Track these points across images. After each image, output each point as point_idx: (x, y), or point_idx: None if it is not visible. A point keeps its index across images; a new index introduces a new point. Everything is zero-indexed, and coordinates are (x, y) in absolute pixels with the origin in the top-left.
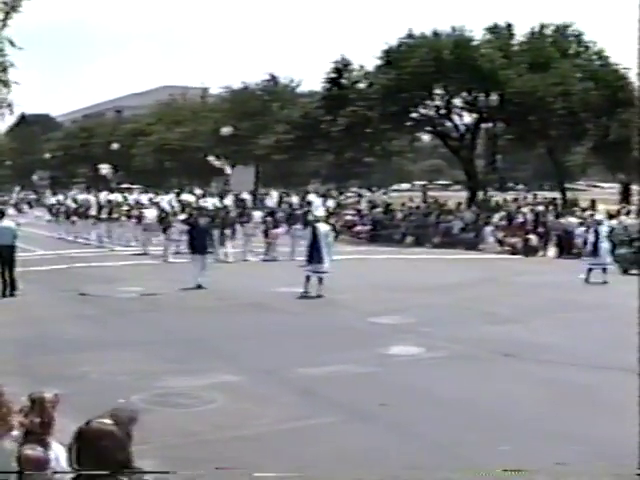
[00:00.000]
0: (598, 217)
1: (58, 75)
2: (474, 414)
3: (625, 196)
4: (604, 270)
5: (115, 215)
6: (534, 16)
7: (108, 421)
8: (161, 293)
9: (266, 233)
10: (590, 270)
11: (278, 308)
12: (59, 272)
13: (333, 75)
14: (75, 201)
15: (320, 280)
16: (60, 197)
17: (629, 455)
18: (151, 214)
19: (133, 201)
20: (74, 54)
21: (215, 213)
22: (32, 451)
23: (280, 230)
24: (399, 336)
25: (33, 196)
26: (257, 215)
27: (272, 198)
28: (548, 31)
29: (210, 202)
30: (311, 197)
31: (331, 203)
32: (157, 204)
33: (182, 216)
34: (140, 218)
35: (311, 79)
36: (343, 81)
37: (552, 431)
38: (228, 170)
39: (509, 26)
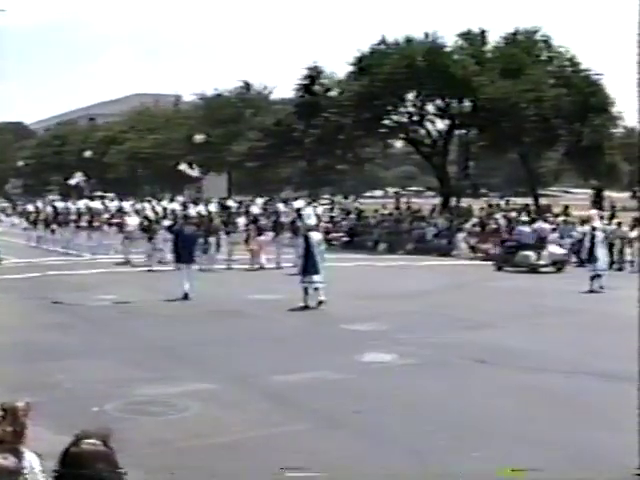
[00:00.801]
0: (596, 224)
1: (31, 83)
2: (447, 420)
3: (597, 201)
4: (599, 276)
5: (96, 223)
6: (506, 22)
7: (98, 442)
8: (135, 301)
9: (247, 241)
10: (593, 278)
11: (252, 315)
12: (32, 280)
13: (305, 82)
14: (54, 208)
15: (316, 289)
16: (39, 204)
17: (604, 460)
18: (133, 222)
19: (114, 208)
20: (47, 62)
21: (200, 220)
22: (4, 460)
23: (264, 238)
24: (372, 343)
25: (6, 204)
26: (241, 222)
27: (257, 205)
28: (520, 37)
29: (194, 210)
30: (298, 204)
31: (320, 210)
32: (139, 212)
33: (166, 223)
34: (122, 226)
35: (284, 86)
36: (316, 88)
37: (525, 436)
38: (195, 173)
39: (482, 32)
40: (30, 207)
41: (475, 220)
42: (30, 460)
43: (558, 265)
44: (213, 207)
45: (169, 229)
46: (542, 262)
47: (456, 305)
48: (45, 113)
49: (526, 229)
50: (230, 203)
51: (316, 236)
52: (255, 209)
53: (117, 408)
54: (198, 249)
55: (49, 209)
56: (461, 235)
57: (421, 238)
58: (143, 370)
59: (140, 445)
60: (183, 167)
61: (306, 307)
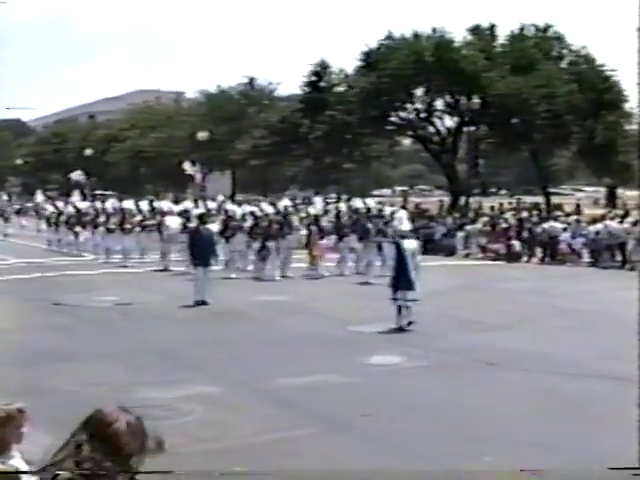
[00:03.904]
0: None
1: (30, 79)
2: (457, 424)
3: (610, 200)
4: None
5: (128, 225)
6: (516, 17)
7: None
8: (137, 302)
9: (308, 245)
10: None
11: (257, 317)
12: (33, 281)
13: (312, 78)
14: (77, 209)
15: (407, 308)
16: (59, 204)
17: (616, 465)
18: (174, 223)
19: (147, 209)
20: (47, 58)
21: (255, 223)
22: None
23: (326, 242)
24: (380, 345)
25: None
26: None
27: (315, 205)
28: (530, 32)
29: (238, 210)
30: (358, 203)
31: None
32: (181, 213)
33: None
34: (161, 227)
35: (289, 82)
36: (322, 84)
37: (537, 442)
38: (198, 178)
39: (492, 27)
40: (50, 207)
41: (485, 219)
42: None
43: None
44: (266, 207)
45: (185, 230)
46: None
47: (465, 306)
48: (44, 110)
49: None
50: (286, 202)
51: (410, 244)
52: (312, 210)
53: None
54: (255, 256)
55: (70, 209)
56: (460, 234)
57: (429, 238)
58: (145, 373)
59: None
60: (187, 166)
61: (400, 329)
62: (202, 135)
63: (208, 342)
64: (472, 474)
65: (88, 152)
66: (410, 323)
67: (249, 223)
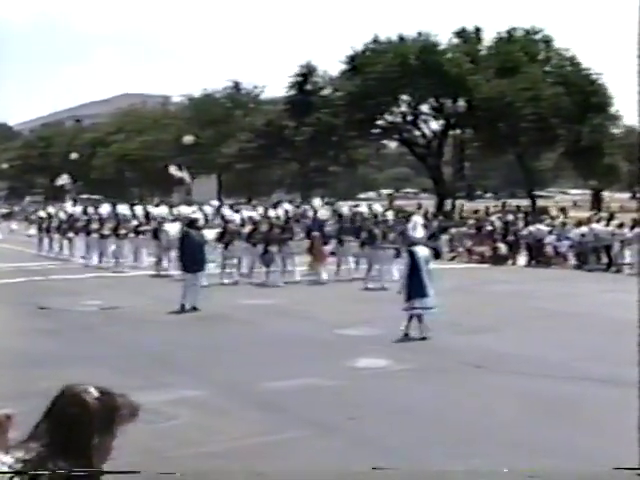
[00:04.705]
0: None
1: (16, 83)
2: (445, 427)
3: (596, 202)
4: None
5: (122, 231)
6: (502, 20)
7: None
8: (123, 306)
9: (311, 250)
10: None
11: (242, 320)
12: (20, 285)
13: (298, 80)
14: (69, 215)
15: (420, 318)
16: (51, 209)
17: (605, 467)
18: (174, 229)
19: (142, 215)
20: (33, 62)
21: (254, 228)
22: None
23: (330, 247)
24: (366, 348)
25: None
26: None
27: (319, 208)
28: (516, 35)
29: (236, 215)
30: (362, 208)
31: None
32: (179, 218)
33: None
34: (157, 233)
35: (275, 85)
36: (308, 87)
37: (525, 444)
38: (187, 180)
39: (477, 30)
40: (42, 212)
41: (471, 222)
42: None
43: None
44: (273, 211)
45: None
46: None
47: (451, 309)
48: (30, 114)
49: None
50: (287, 206)
51: (423, 251)
52: (310, 213)
53: None
54: (259, 261)
55: (62, 215)
56: (445, 237)
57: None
58: (130, 377)
59: (128, 454)
60: (173, 170)
61: (406, 335)
62: (188, 139)
63: (194, 346)
64: (462, 474)
65: (74, 156)
66: (424, 338)
67: (247, 229)
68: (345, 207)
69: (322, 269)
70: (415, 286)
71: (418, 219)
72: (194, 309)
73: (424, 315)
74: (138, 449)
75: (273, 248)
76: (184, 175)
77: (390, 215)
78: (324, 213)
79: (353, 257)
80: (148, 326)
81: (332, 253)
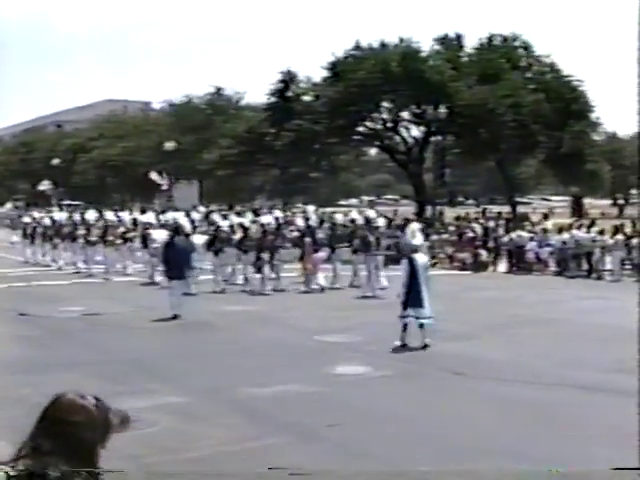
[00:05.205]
0: None
1: None
2: (425, 434)
3: (576, 209)
4: None
5: (109, 237)
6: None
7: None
8: (104, 313)
9: (302, 258)
10: None
11: (223, 327)
12: (1, 292)
13: (279, 86)
14: (53, 220)
15: (421, 326)
16: (35, 214)
17: (583, 473)
18: (161, 236)
19: (129, 221)
20: (13, 66)
21: (245, 235)
22: None
23: (322, 254)
24: (346, 355)
25: None
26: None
27: (310, 214)
28: (497, 42)
29: (225, 222)
30: (354, 215)
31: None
32: (165, 225)
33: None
34: (146, 240)
35: (256, 91)
36: (289, 94)
37: (503, 450)
38: (165, 186)
39: (458, 37)
40: (26, 218)
41: (452, 229)
42: None
43: None
44: (267, 219)
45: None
46: None
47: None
48: (11, 119)
49: None
50: (277, 213)
51: (422, 259)
52: (300, 221)
53: None
54: (250, 267)
55: (47, 221)
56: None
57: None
58: (111, 383)
59: (107, 460)
60: (154, 175)
61: (404, 345)
62: (169, 145)
63: (175, 352)
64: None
65: (55, 161)
66: (425, 346)
67: (238, 235)
68: (339, 214)
69: (313, 276)
70: (412, 295)
71: (416, 226)
72: (175, 317)
73: (424, 323)
74: (117, 455)
75: (265, 255)
76: (162, 181)
77: (382, 222)
78: (315, 220)
79: (344, 264)
80: (128, 332)
81: (325, 260)
